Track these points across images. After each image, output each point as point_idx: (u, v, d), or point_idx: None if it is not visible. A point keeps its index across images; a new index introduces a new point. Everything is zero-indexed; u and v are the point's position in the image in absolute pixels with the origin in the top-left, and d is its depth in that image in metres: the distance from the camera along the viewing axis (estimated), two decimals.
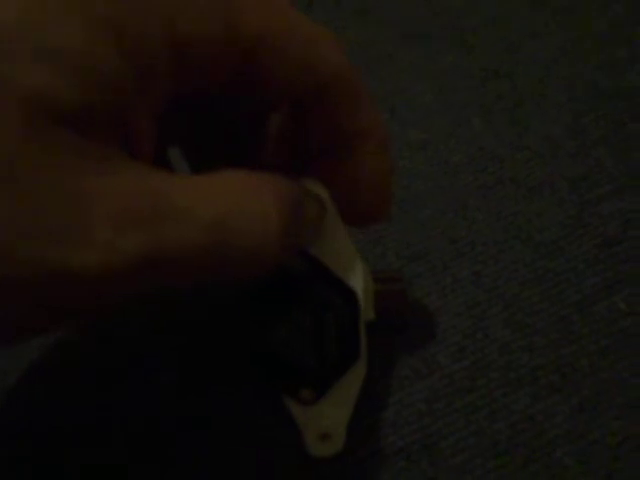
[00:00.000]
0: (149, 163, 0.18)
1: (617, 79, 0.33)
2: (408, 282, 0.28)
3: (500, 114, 0.32)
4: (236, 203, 0.18)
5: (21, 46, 0.15)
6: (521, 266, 0.29)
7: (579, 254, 0.29)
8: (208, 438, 0.25)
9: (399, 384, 0.26)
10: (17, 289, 0.15)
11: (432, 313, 0.28)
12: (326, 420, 0.21)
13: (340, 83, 0.21)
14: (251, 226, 0.18)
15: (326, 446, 0.22)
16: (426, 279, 0.28)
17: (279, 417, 0.23)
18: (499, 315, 0.28)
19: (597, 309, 0.27)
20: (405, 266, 0.29)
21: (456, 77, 0.34)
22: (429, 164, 0.31)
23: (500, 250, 0.29)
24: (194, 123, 0.22)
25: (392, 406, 0.26)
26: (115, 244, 0.16)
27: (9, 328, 0.17)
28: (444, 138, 0.32)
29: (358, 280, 0.22)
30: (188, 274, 0.17)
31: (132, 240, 0.16)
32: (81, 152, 0.16)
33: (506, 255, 0.29)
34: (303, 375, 0.21)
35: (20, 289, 0.15)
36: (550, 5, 0.36)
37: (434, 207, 0.30)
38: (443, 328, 0.27)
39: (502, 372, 0.26)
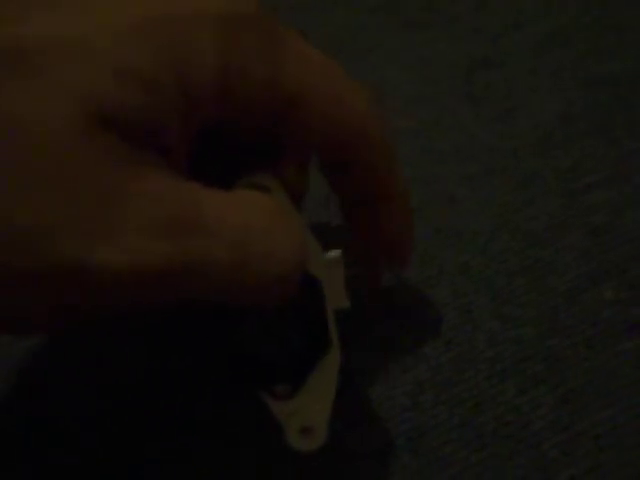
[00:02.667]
0: (184, 177, 0.18)
1: (606, 66, 0.33)
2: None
3: (488, 103, 0.32)
4: (263, 227, 0.18)
5: (95, 60, 0.16)
6: (509, 256, 0.29)
7: (567, 244, 0.29)
8: (198, 437, 0.25)
9: (384, 377, 0.26)
10: (40, 279, 0.16)
11: (418, 304, 0.28)
12: (305, 413, 0.21)
13: (364, 140, 0.21)
14: (274, 252, 0.18)
15: (308, 440, 0.21)
16: (413, 270, 0.28)
17: (260, 416, 0.23)
18: (487, 306, 0.27)
19: (584, 299, 0.27)
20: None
21: (443, 66, 0.33)
22: (416, 153, 0.31)
23: (488, 240, 0.29)
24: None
25: (376, 399, 0.26)
26: (142, 249, 0.16)
27: (20, 320, 0.17)
28: (432, 127, 0.32)
29: (320, 268, 0.21)
30: (205, 290, 0.18)
31: (159, 247, 0.17)
32: (126, 158, 0.17)
33: (494, 245, 0.29)
34: (274, 370, 0.21)
35: (43, 280, 0.16)
36: None
37: (421, 196, 0.30)
38: (429, 319, 0.27)
39: (489, 364, 0.26)
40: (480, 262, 0.28)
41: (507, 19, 0.35)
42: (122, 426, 0.25)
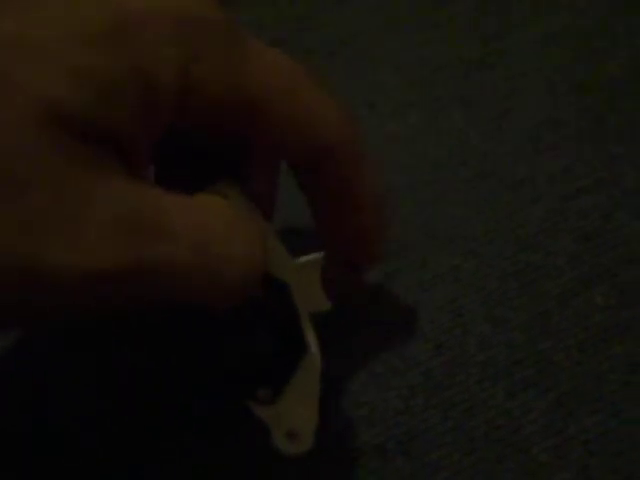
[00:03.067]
0: (144, 180, 0.18)
1: (597, 71, 0.33)
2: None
3: (480, 107, 0.32)
4: (224, 230, 0.18)
5: (48, 60, 0.16)
6: (501, 260, 0.29)
7: (558, 248, 0.29)
8: (198, 437, 0.25)
9: (375, 380, 0.26)
10: None
11: (410, 308, 0.28)
12: (289, 418, 0.21)
13: (333, 147, 0.21)
14: (231, 256, 0.18)
15: (295, 444, 0.21)
16: (405, 274, 0.28)
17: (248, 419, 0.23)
18: (478, 310, 0.28)
19: (575, 303, 0.27)
20: (384, 261, 0.29)
21: (436, 69, 0.33)
22: (409, 158, 0.31)
23: (480, 244, 0.29)
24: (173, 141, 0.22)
25: (368, 403, 0.26)
26: (100, 251, 0.16)
27: None
28: (424, 131, 0.32)
29: (290, 273, 0.21)
30: (168, 293, 0.18)
31: (119, 249, 0.16)
32: (84, 159, 0.16)
33: (486, 249, 0.29)
34: (250, 375, 0.21)
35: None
36: None
37: (413, 201, 0.30)
38: (421, 323, 0.27)
39: (481, 367, 0.26)
40: (471, 266, 0.28)
41: (500, 22, 0.35)
42: (122, 426, 0.25)
